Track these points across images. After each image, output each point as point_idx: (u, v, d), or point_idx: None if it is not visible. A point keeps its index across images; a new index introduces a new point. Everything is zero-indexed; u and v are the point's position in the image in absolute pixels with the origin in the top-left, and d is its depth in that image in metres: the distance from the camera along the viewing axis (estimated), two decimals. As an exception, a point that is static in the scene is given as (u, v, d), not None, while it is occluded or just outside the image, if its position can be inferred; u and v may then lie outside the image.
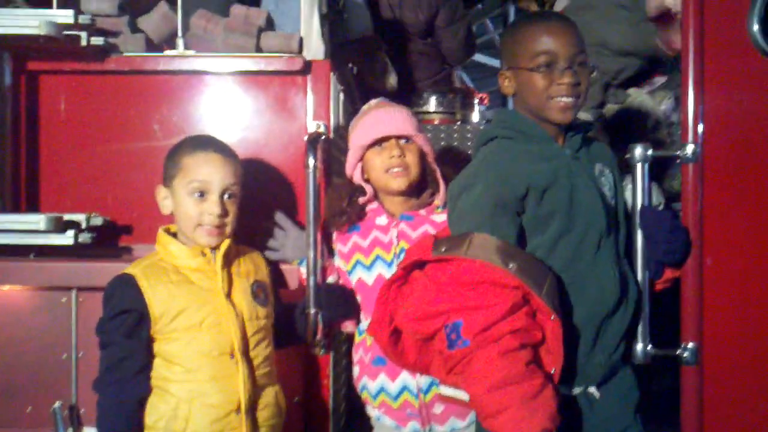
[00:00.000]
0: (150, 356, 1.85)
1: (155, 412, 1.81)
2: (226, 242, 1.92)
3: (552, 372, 1.56)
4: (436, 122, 3.40)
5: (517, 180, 1.69)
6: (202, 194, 1.90)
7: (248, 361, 1.87)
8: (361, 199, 2.12)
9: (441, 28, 3.80)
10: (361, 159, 2.11)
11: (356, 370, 2.11)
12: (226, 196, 1.92)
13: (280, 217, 2.20)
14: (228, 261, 1.93)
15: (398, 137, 2.06)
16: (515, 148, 1.76)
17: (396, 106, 2.15)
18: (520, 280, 1.53)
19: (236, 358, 1.85)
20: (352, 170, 2.13)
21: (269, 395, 1.92)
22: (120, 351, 1.82)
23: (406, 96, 3.55)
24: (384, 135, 2.05)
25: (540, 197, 1.69)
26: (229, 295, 1.90)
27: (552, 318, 1.55)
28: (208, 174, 1.90)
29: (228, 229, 1.93)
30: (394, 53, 3.60)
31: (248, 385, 1.85)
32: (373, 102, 2.19)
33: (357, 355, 2.11)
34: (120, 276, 1.88)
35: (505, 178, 1.70)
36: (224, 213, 1.90)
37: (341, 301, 2.05)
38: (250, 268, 1.99)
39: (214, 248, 1.91)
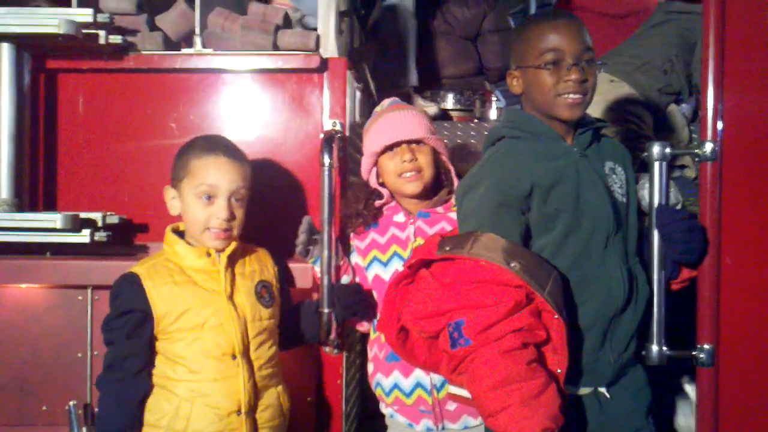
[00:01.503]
0: (152, 355, 1.91)
1: (157, 411, 1.87)
2: (233, 245, 1.97)
3: (558, 372, 1.60)
4: (454, 119, 3.45)
5: (521, 178, 1.73)
6: (210, 198, 1.94)
7: (249, 362, 1.92)
8: (378, 202, 2.18)
9: (487, 32, 3.85)
10: (375, 164, 2.17)
11: (371, 366, 2.17)
12: (233, 200, 1.96)
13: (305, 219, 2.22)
14: (232, 262, 1.98)
15: (409, 141, 2.12)
16: (521, 148, 1.80)
17: (407, 109, 2.21)
18: (523, 279, 1.57)
19: (238, 360, 1.90)
20: (368, 174, 2.20)
21: (271, 396, 1.97)
22: (122, 350, 1.89)
23: (432, 91, 3.61)
24: (395, 141, 2.11)
25: (546, 196, 1.73)
26: (231, 296, 1.95)
27: (556, 317, 1.58)
28: (216, 178, 1.94)
29: (235, 232, 1.97)
30: (428, 47, 3.66)
31: (249, 386, 1.90)
32: (385, 103, 2.24)
33: (372, 351, 2.17)
34: (125, 275, 1.94)
35: (509, 177, 1.74)
36: (231, 217, 1.95)
37: (356, 300, 2.10)
38: (256, 268, 2.04)
39: (220, 250, 1.96)
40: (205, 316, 1.90)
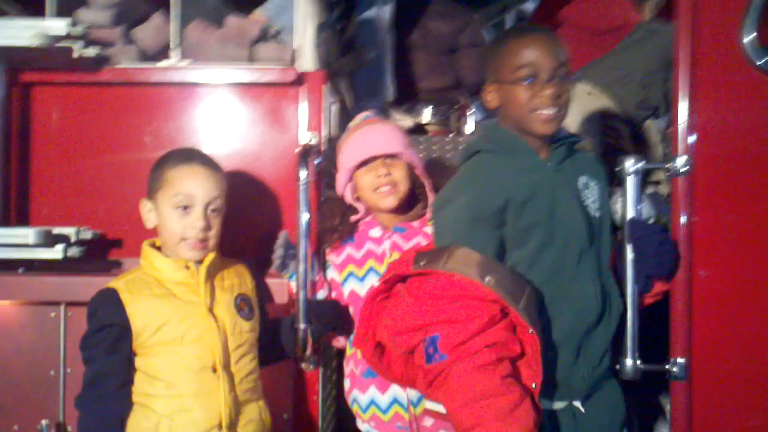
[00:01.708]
0: (132, 372, 1.89)
1: (137, 429, 1.85)
2: (210, 256, 1.96)
3: (533, 386, 1.60)
4: (429, 134, 3.47)
5: (496, 193, 1.74)
6: (186, 208, 1.94)
7: (230, 376, 1.91)
8: (353, 218, 2.19)
9: (464, 47, 3.87)
10: (351, 179, 2.18)
11: (347, 383, 2.16)
12: (210, 210, 1.96)
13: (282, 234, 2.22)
14: (211, 274, 1.98)
15: (384, 156, 2.12)
16: (496, 162, 1.81)
17: (381, 123, 2.22)
18: (497, 294, 1.58)
19: (218, 373, 1.88)
20: (343, 190, 2.20)
21: (252, 411, 1.96)
22: (101, 366, 1.87)
23: (408, 104, 3.62)
24: (370, 156, 2.12)
25: (520, 210, 1.74)
26: (211, 308, 1.94)
27: (530, 332, 1.59)
28: (192, 187, 1.95)
29: (211, 243, 1.97)
30: (404, 61, 3.68)
31: (229, 400, 1.88)
32: (358, 118, 2.25)
33: (348, 367, 2.17)
34: (102, 290, 1.92)
35: (484, 191, 1.75)
36: (208, 227, 1.95)
37: (331, 316, 2.10)
38: (235, 281, 2.03)
39: (198, 262, 1.96)
40: (185, 329, 1.89)
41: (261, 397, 2.01)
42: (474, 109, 3.83)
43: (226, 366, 1.91)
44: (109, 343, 1.87)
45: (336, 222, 2.17)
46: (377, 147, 2.13)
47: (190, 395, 1.86)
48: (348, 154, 2.17)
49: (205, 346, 1.90)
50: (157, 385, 1.87)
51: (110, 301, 1.89)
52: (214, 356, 1.89)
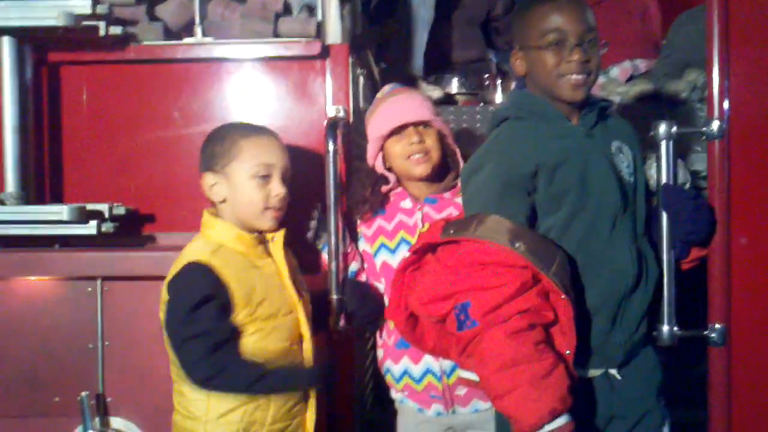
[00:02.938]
0: None
1: (237, 404, 1.84)
2: (283, 230, 1.97)
3: (566, 353, 1.61)
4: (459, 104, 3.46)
5: (526, 159, 1.74)
6: (265, 177, 1.93)
7: (307, 348, 1.95)
8: (384, 188, 2.20)
9: (500, 17, 3.86)
10: (381, 149, 2.18)
11: (380, 353, 2.19)
12: (284, 179, 1.97)
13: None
14: (283, 248, 1.98)
15: (416, 123, 2.13)
16: (526, 128, 1.81)
17: (410, 92, 2.23)
18: (527, 260, 1.58)
19: (304, 346, 1.93)
20: (374, 160, 2.21)
21: None
22: (216, 335, 1.80)
23: (436, 75, 3.62)
24: (401, 123, 2.12)
25: (551, 176, 1.74)
26: (291, 282, 1.95)
27: (562, 297, 1.60)
28: (271, 156, 1.95)
29: (283, 213, 1.99)
30: (434, 32, 3.67)
31: None
32: (386, 89, 2.26)
33: (381, 338, 2.20)
34: (192, 265, 1.85)
35: (513, 157, 1.75)
36: (287, 195, 1.97)
37: (367, 302, 2.13)
38: (291, 255, 2.05)
39: (274, 230, 1.96)
40: (279, 303, 1.91)
41: None
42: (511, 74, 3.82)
43: (309, 339, 1.96)
44: (216, 313, 1.82)
45: (367, 193, 2.18)
46: (409, 114, 2.13)
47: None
48: (378, 123, 2.17)
49: (293, 320, 1.93)
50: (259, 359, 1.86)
51: (207, 273, 1.83)
52: (299, 330, 1.93)
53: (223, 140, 1.98)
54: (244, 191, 1.93)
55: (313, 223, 2.19)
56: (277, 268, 1.96)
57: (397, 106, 2.16)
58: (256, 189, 1.93)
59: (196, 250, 1.90)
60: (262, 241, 1.97)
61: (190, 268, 1.85)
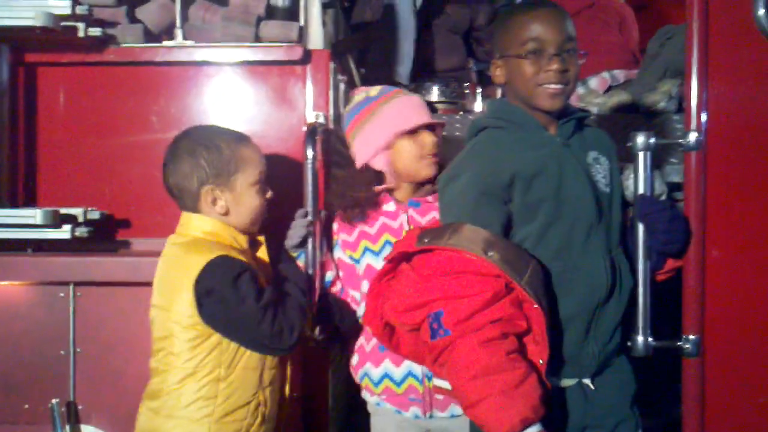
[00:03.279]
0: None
1: (239, 400, 1.90)
2: (263, 235, 2.07)
3: (539, 362, 1.61)
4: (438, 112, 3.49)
5: (503, 168, 1.74)
6: (255, 184, 2.00)
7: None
8: (378, 188, 2.18)
9: (482, 27, 3.90)
10: (386, 147, 2.15)
11: (355, 358, 2.19)
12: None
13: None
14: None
15: (430, 126, 2.15)
16: (503, 138, 1.82)
17: (412, 94, 2.27)
18: (500, 269, 1.59)
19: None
20: (372, 157, 2.17)
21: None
22: (267, 295, 1.88)
23: (416, 83, 3.64)
24: (420, 123, 2.13)
25: (527, 185, 1.74)
26: None
27: (535, 307, 1.60)
28: (264, 161, 2.04)
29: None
30: (421, 40, 3.70)
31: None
32: (382, 90, 2.23)
33: (357, 342, 2.19)
34: (227, 260, 1.87)
35: (491, 167, 1.75)
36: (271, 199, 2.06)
37: (345, 316, 2.17)
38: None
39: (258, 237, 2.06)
40: None
41: None
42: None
43: None
44: (254, 278, 1.88)
45: (362, 194, 2.16)
46: (426, 116, 2.16)
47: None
48: (390, 121, 2.14)
49: None
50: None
51: (234, 259, 1.88)
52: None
53: (219, 150, 1.95)
54: (245, 200, 1.98)
55: (290, 231, 2.17)
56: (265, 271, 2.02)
57: (411, 107, 2.17)
58: (256, 196, 1.99)
59: (209, 249, 1.89)
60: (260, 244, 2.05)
61: (215, 261, 1.86)
